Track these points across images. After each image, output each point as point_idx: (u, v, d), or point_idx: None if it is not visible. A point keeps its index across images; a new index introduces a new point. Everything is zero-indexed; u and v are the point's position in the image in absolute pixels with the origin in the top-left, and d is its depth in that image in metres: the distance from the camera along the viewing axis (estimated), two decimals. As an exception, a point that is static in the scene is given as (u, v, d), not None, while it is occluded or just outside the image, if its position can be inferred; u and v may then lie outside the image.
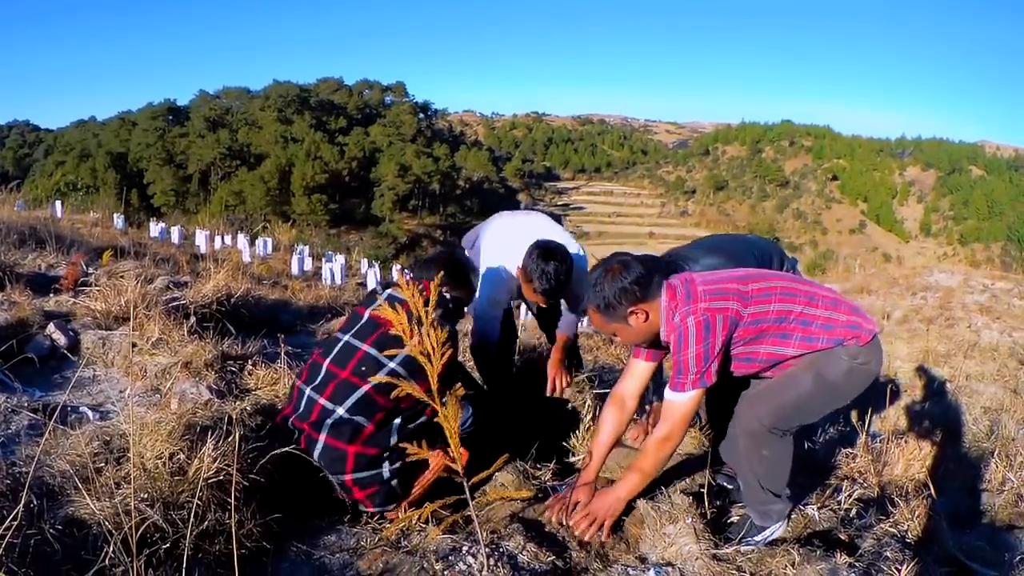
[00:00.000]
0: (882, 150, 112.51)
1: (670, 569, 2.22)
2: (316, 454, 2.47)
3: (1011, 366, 8.68)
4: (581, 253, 3.46)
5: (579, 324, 3.74)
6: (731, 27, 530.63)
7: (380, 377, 2.36)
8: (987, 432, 4.52)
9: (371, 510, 2.52)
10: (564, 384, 3.58)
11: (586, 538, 2.37)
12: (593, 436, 2.69)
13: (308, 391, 2.56)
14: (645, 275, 2.30)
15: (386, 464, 2.48)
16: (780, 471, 2.49)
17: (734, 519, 2.68)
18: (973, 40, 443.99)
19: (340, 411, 2.43)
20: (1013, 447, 3.77)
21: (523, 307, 11.25)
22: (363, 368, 2.47)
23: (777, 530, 2.53)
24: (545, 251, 3.12)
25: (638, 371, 2.59)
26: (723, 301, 2.25)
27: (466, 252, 3.65)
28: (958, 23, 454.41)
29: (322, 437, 2.45)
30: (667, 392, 2.33)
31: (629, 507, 2.48)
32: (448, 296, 2.76)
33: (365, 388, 2.44)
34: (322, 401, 2.48)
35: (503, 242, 3.47)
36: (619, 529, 2.46)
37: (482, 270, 3.42)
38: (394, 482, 2.50)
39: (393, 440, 2.48)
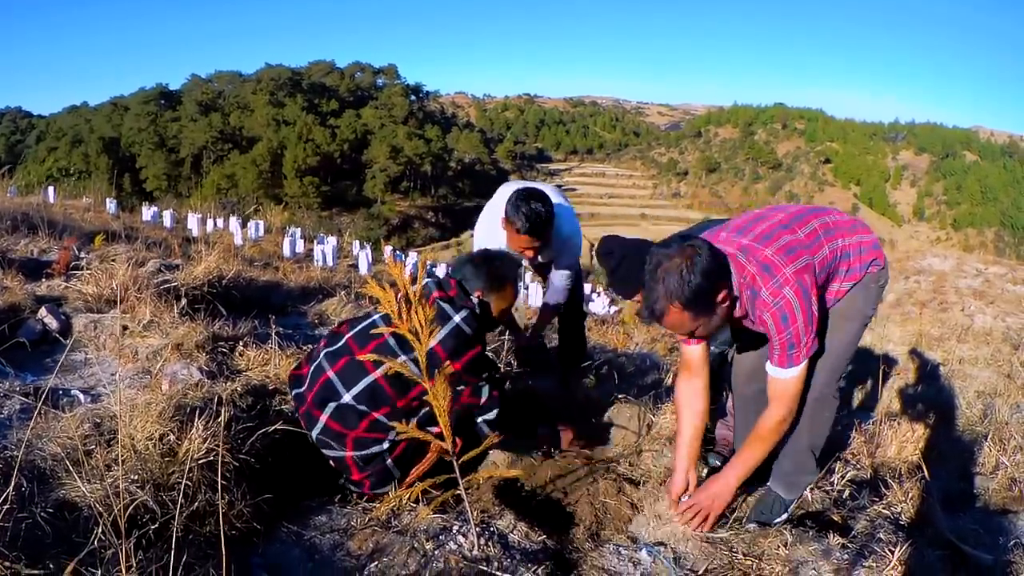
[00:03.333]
0: (875, 134, 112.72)
1: (662, 549, 2.23)
2: (315, 433, 2.44)
3: (1005, 351, 8.70)
4: (576, 224, 3.43)
5: (566, 290, 3.61)
6: (724, 9, 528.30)
7: (396, 364, 2.04)
8: (981, 416, 4.52)
9: (366, 492, 2.48)
10: None
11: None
12: (677, 432, 2.48)
13: (322, 356, 2.54)
14: (713, 250, 2.00)
15: (387, 443, 2.43)
16: (826, 432, 2.50)
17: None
18: (968, 25, 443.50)
19: (346, 397, 2.40)
20: (1007, 431, 3.75)
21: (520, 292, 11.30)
22: (377, 354, 2.44)
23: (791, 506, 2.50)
24: (524, 194, 3.05)
25: (697, 356, 2.41)
26: (798, 258, 2.08)
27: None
28: (953, 8, 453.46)
29: (323, 417, 2.41)
30: (776, 371, 2.17)
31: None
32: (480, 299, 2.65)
33: (375, 376, 2.40)
34: (330, 373, 2.45)
35: (495, 202, 3.38)
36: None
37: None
38: (389, 462, 2.45)
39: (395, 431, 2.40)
